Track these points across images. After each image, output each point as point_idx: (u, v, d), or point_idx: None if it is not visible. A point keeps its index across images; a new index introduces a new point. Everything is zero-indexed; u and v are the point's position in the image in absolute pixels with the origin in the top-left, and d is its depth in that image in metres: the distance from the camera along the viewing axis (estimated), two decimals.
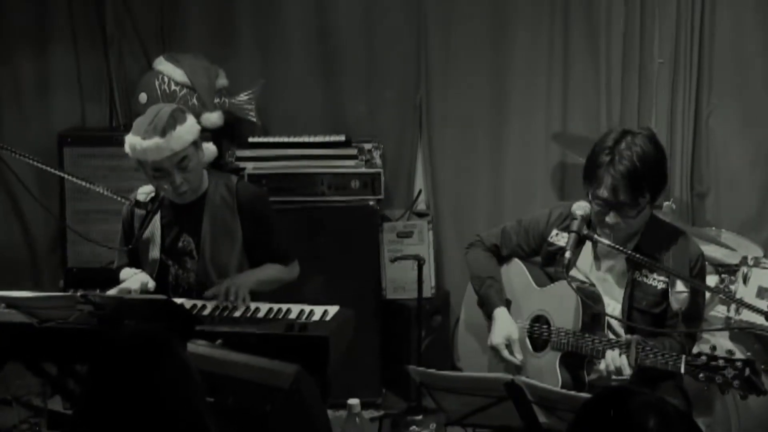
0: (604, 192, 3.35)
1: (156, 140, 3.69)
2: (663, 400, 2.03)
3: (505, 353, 3.55)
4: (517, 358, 3.54)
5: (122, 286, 3.77)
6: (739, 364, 3.04)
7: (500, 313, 3.60)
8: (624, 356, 3.25)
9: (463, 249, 3.88)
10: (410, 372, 3.16)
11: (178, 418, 2.22)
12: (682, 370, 3.12)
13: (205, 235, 3.88)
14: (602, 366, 3.30)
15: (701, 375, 3.08)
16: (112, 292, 3.70)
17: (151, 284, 3.82)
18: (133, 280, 3.81)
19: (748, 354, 4.10)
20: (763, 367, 3.21)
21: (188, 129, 3.75)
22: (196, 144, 3.79)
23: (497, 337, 3.57)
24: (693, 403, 3.55)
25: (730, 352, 3.10)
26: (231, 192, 3.91)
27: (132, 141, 3.73)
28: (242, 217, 3.89)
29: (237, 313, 3.64)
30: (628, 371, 3.24)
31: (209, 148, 3.95)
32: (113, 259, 4.06)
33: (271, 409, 2.77)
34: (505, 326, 3.58)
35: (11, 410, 4.65)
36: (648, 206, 3.41)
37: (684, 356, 3.14)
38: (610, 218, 3.37)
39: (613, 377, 3.33)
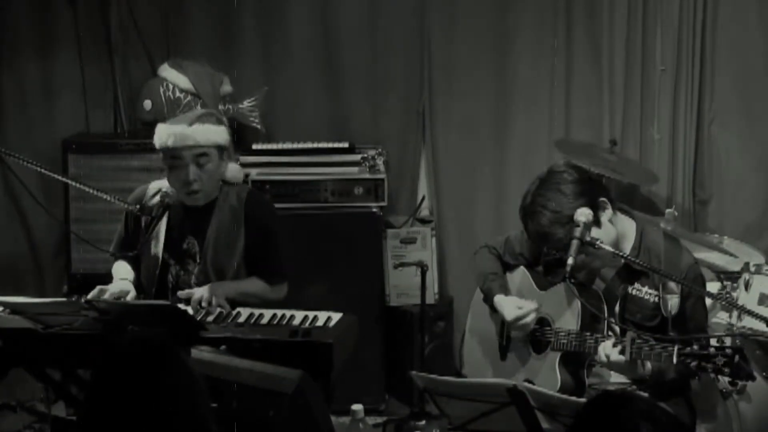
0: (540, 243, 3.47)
1: (183, 127, 3.80)
2: (656, 407, 2.04)
3: (521, 312, 3.53)
4: (532, 303, 3.53)
5: (102, 287, 3.78)
6: (728, 351, 3.05)
7: (500, 299, 3.63)
8: (610, 342, 3.25)
9: (467, 255, 3.91)
10: (413, 378, 3.17)
11: (183, 423, 2.23)
12: (674, 360, 3.12)
13: (210, 239, 3.90)
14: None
15: (693, 364, 3.08)
16: (93, 293, 3.70)
17: (132, 294, 3.84)
18: (115, 285, 3.85)
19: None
20: (765, 374, 3.21)
21: (217, 130, 3.85)
22: (221, 151, 3.85)
23: (509, 312, 3.56)
24: (697, 412, 3.56)
25: (720, 340, 3.10)
26: (240, 201, 3.94)
27: (160, 127, 3.85)
28: (247, 226, 3.92)
29: (241, 319, 3.65)
30: (621, 359, 3.25)
31: (234, 168, 3.99)
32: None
33: (275, 415, 2.78)
34: (508, 303, 3.59)
35: (15, 416, 4.66)
36: (614, 212, 3.40)
37: (676, 345, 3.14)
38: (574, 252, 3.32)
39: (612, 379, 3.35)
